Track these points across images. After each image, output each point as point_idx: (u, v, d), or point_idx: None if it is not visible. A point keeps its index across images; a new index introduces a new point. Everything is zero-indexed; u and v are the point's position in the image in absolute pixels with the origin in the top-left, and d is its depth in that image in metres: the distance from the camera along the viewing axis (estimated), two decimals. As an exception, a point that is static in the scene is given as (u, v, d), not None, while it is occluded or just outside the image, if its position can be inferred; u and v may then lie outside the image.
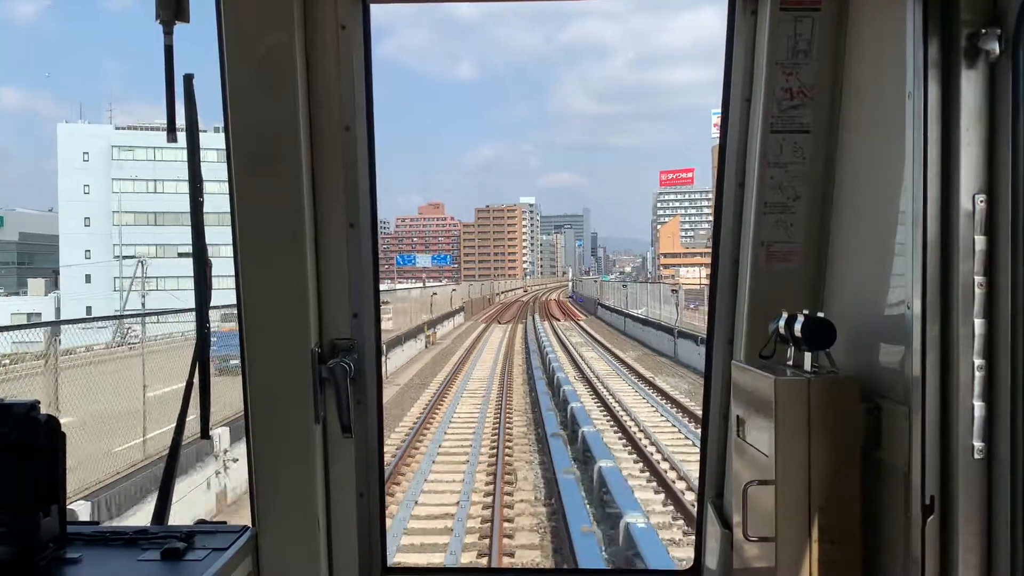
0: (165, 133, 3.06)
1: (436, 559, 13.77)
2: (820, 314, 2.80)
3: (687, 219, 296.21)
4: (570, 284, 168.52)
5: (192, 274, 3.20)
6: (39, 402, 2.61)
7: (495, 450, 21.30)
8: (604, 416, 24.96)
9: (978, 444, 2.42)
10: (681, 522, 15.39)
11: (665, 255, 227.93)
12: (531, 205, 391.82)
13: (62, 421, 2.66)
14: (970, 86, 2.41)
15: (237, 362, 3.33)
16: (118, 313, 63.32)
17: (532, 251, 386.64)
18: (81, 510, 12.85)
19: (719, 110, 3.40)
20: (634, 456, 20.16)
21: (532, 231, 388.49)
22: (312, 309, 3.22)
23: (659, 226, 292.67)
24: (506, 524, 15.49)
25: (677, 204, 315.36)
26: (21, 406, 2.55)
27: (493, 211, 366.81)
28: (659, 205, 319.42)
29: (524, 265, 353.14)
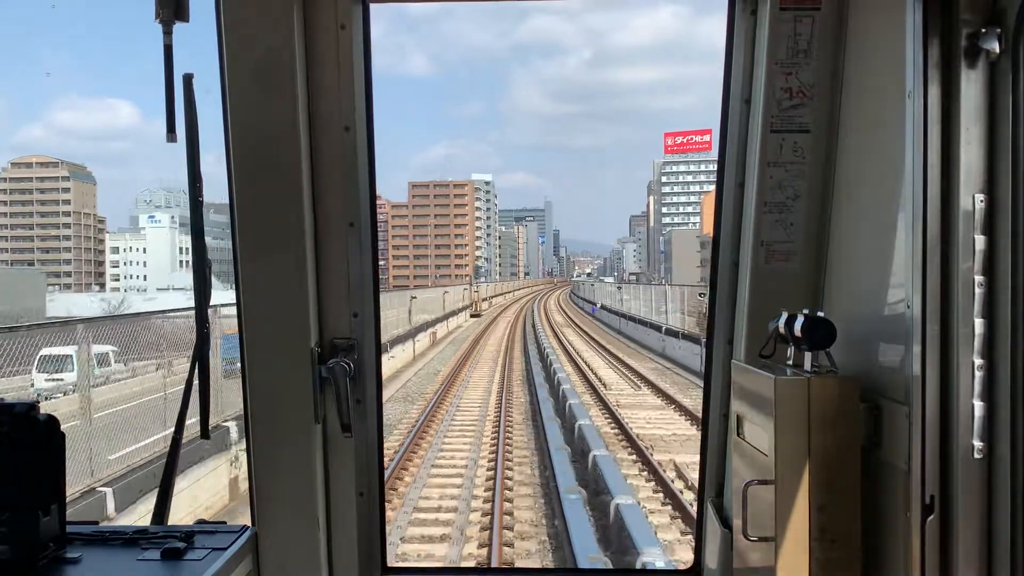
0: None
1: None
2: (820, 313, 2.79)
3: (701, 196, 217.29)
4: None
5: (192, 275, 3.21)
6: (39, 402, 2.61)
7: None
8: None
9: (978, 444, 2.42)
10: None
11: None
12: (487, 183, 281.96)
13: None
14: (970, 86, 2.41)
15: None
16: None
17: (488, 244, 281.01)
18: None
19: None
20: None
21: (488, 218, 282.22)
22: (312, 309, 3.22)
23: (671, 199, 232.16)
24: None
25: (691, 178, 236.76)
26: (21, 406, 2.56)
27: (435, 187, 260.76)
28: (664, 179, 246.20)
29: (477, 262, 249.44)
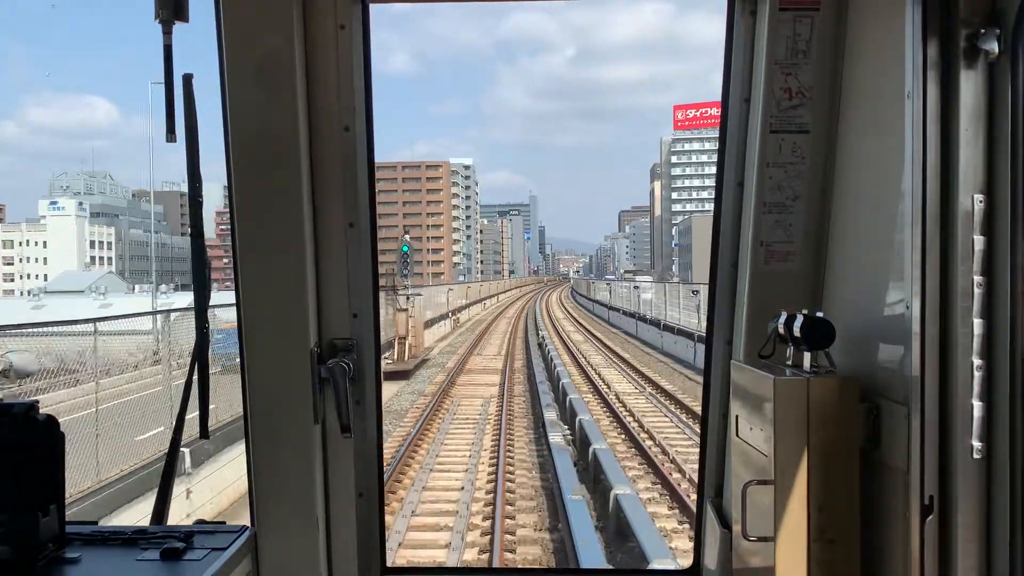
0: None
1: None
2: (819, 314, 2.80)
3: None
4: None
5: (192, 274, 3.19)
6: (38, 402, 2.61)
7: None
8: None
9: (977, 444, 2.42)
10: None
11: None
12: (466, 167, 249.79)
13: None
14: (969, 86, 2.42)
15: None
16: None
17: (469, 238, 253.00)
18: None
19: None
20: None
21: (468, 207, 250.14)
22: (311, 309, 3.22)
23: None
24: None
25: (705, 157, 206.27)
26: (20, 406, 2.56)
27: (404, 169, 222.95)
28: (674, 159, 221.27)
29: (455, 259, 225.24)
